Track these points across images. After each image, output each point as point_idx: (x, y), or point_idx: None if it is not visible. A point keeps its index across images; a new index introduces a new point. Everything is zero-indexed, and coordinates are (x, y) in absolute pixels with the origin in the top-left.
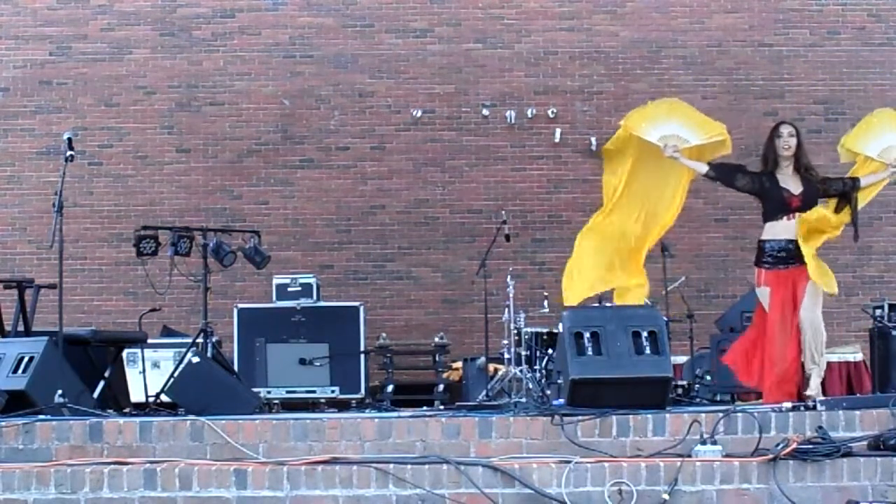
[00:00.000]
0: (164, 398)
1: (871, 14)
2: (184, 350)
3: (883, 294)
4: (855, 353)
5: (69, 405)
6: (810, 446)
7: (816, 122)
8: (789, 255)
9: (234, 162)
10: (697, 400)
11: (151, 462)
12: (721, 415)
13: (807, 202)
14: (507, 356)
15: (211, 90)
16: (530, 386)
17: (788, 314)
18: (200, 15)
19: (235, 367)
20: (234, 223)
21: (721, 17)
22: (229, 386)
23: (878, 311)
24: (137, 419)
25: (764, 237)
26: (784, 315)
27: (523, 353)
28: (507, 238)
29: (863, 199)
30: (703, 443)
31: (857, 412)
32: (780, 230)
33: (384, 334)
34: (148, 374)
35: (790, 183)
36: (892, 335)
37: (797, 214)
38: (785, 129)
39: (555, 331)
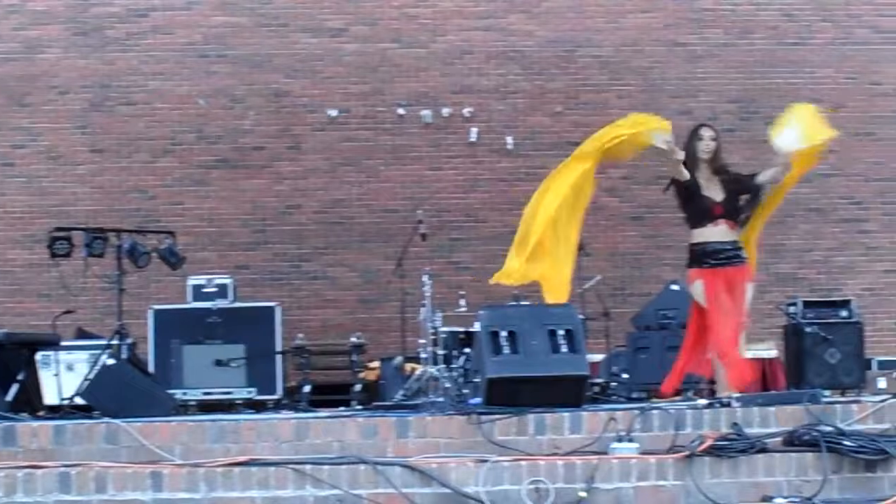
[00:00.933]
0: (78, 401)
1: (785, 14)
2: (98, 352)
3: (797, 291)
4: (769, 350)
5: None
6: (726, 443)
7: (730, 120)
8: (724, 256)
9: (149, 162)
10: (614, 398)
11: (66, 466)
12: (637, 412)
13: (728, 209)
14: (423, 356)
15: (125, 90)
16: (447, 385)
17: (727, 301)
18: (114, 14)
19: (151, 369)
20: (148, 224)
21: (636, 16)
22: (145, 388)
23: (791, 309)
24: (52, 422)
25: (695, 241)
26: (722, 300)
27: (440, 352)
28: (424, 237)
29: (775, 197)
30: (620, 440)
31: (772, 408)
32: (708, 234)
33: (301, 334)
34: (62, 376)
35: (712, 189)
36: (805, 332)
37: (722, 221)
38: (706, 133)
39: (471, 330)
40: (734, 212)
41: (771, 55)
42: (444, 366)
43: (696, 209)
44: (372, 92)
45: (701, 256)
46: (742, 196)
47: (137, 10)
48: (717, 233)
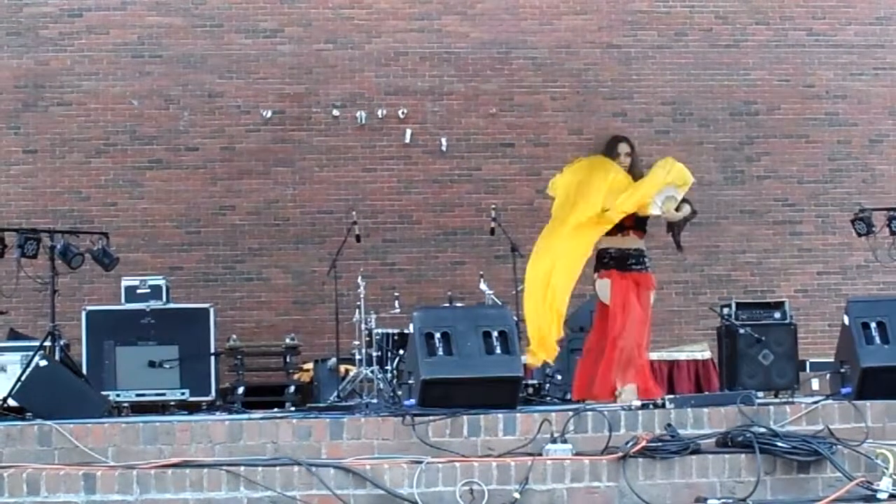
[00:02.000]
0: (11, 402)
1: (719, 16)
2: (31, 353)
3: (730, 293)
4: (703, 352)
5: None
6: (659, 444)
7: (664, 122)
8: (631, 261)
9: (82, 163)
10: (548, 399)
11: None
12: (571, 413)
13: (638, 219)
14: (358, 357)
15: (58, 90)
16: (381, 387)
17: (636, 305)
18: (47, 14)
19: (84, 370)
20: (82, 225)
21: (570, 18)
22: (77, 389)
23: (725, 310)
24: None
25: (603, 245)
26: (627, 300)
27: (374, 353)
28: (358, 238)
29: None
30: (554, 441)
31: (706, 410)
32: (617, 241)
33: (234, 336)
34: None
35: None
36: (739, 333)
37: (630, 231)
38: (622, 149)
39: (406, 331)
40: (643, 222)
41: (705, 57)
42: (378, 367)
43: None
44: (306, 93)
45: (608, 261)
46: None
47: (71, 10)
48: (625, 241)
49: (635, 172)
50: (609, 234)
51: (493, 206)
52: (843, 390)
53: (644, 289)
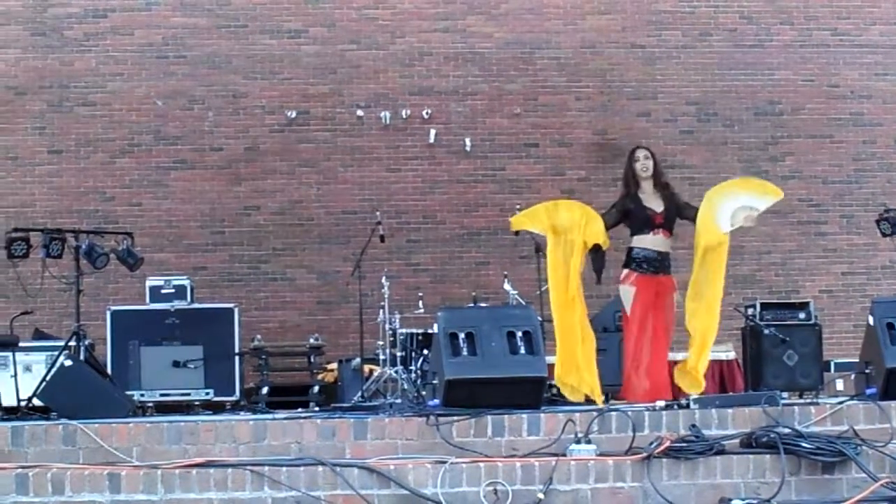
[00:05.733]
0: (36, 402)
1: (743, 16)
2: (56, 353)
3: (755, 293)
4: (728, 352)
5: None
6: (684, 444)
7: (689, 122)
8: (657, 265)
9: (107, 163)
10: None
11: (23, 467)
12: (595, 414)
13: (669, 218)
14: (382, 357)
15: (83, 91)
16: (405, 387)
17: (650, 317)
18: (72, 15)
19: (108, 370)
20: (106, 225)
21: (594, 18)
22: (102, 389)
23: (750, 311)
24: (9, 424)
25: (633, 245)
26: (645, 316)
27: (398, 353)
28: (382, 239)
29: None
30: (578, 442)
31: (730, 410)
32: (647, 242)
33: (259, 336)
34: (20, 377)
35: (652, 202)
36: (763, 334)
37: (661, 230)
38: (641, 154)
39: (430, 331)
40: (672, 223)
41: (729, 57)
42: (402, 367)
43: (638, 219)
44: (331, 93)
45: (639, 265)
46: (683, 218)
47: (96, 11)
48: (655, 241)
49: (658, 175)
50: (638, 232)
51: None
52: (868, 391)
53: (664, 295)
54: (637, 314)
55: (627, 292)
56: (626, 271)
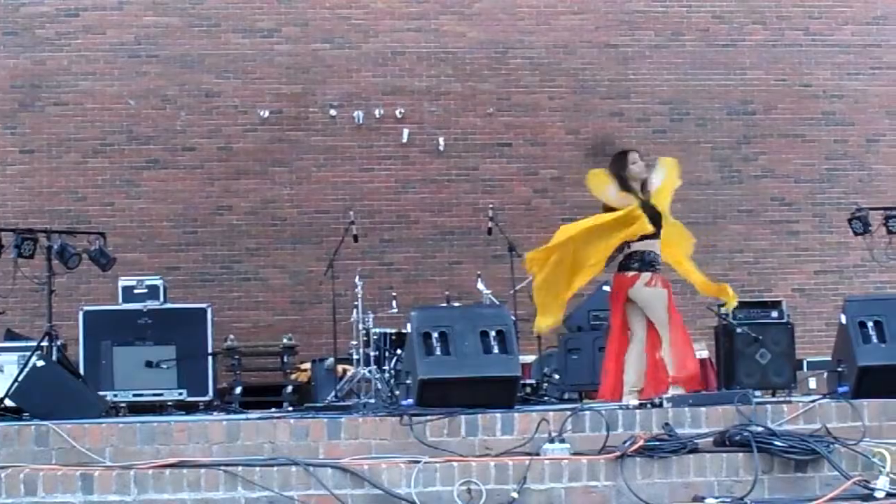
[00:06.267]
0: (8, 403)
1: (715, 16)
2: (28, 354)
3: None
4: (701, 351)
5: None
6: (657, 443)
7: (661, 122)
8: (658, 266)
9: (79, 163)
10: (545, 398)
11: None
12: (569, 413)
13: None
14: (355, 357)
15: (55, 90)
16: (379, 386)
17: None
18: (44, 14)
19: (81, 371)
20: (78, 225)
21: (567, 18)
22: (75, 390)
23: (723, 310)
24: None
25: (641, 248)
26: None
27: (372, 353)
28: (355, 238)
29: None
30: (552, 441)
31: (703, 409)
32: (651, 244)
33: (232, 336)
34: None
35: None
36: (736, 333)
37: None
38: (634, 156)
39: (403, 331)
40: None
41: (702, 57)
42: (375, 367)
43: (651, 220)
44: (303, 93)
45: (648, 261)
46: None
47: (68, 10)
48: (655, 242)
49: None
50: (650, 236)
51: (491, 206)
52: (841, 389)
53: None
54: (673, 311)
55: (660, 295)
56: (647, 275)
